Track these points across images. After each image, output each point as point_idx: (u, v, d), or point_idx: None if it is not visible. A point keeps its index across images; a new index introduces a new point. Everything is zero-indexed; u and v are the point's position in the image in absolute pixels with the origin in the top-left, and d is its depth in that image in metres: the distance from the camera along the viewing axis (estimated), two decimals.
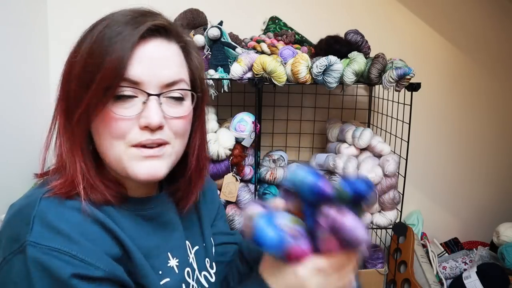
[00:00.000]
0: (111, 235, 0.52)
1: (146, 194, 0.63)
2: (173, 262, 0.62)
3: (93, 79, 0.51)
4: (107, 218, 0.53)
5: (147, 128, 0.54)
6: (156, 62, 0.55)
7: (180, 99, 0.58)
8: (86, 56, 0.52)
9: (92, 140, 0.57)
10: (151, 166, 0.55)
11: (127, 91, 0.53)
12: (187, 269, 0.64)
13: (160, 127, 0.54)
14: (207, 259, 0.71)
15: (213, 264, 0.72)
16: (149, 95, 0.53)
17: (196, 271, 0.68)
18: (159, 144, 0.55)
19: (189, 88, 0.60)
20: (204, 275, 0.69)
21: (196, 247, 0.70)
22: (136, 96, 0.53)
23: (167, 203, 0.65)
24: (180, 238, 0.66)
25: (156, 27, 0.55)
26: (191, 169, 0.65)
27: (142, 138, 0.54)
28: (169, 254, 0.62)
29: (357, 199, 0.49)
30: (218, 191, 1.24)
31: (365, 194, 0.50)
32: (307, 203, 0.51)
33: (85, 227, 0.50)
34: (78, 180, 0.53)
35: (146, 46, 0.54)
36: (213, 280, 0.70)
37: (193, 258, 0.68)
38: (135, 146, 0.54)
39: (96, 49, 0.52)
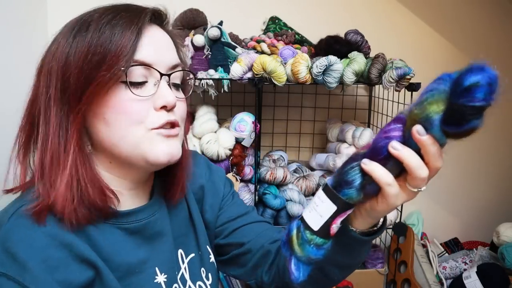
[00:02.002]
0: (79, 259, 0.51)
1: (137, 205, 0.61)
2: (160, 278, 0.60)
3: (102, 61, 0.51)
4: (78, 239, 0.51)
5: (163, 108, 0.55)
6: (162, 45, 0.57)
7: (178, 86, 0.60)
8: (90, 41, 0.52)
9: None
10: (172, 145, 0.56)
11: (139, 77, 0.54)
12: (175, 285, 0.62)
13: (173, 107, 0.56)
14: (202, 268, 0.68)
15: (209, 275, 0.69)
16: (162, 75, 0.55)
17: (189, 282, 0.65)
18: (174, 125, 0.57)
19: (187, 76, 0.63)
20: (199, 285, 0.67)
21: (192, 255, 0.68)
22: (146, 81, 0.55)
23: (158, 210, 0.63)
24: (169, 251, 0.63)
25: (157, 14, 0.58)
26: (185, 157, 0.65)
27: (162, 120, 0.54)
28: (156, 269, 0.60)
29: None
30: None
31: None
32: None
33: (47, 252, 0.48)
34: (61, 196, 0.50)
35: (151, 30, 0.56)
36: None
37: (185, 268, 0.66)
38: (155, 129, 0.54)
39: (103, 34, 0.52)
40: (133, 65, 0.52)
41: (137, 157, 0.55)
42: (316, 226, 0.48)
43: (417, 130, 0.42)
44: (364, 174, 0.46)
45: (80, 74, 0.51)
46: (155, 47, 0.55)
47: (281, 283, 0.68)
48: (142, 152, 0.54)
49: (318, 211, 0.48)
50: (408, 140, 0.44)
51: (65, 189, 0.51)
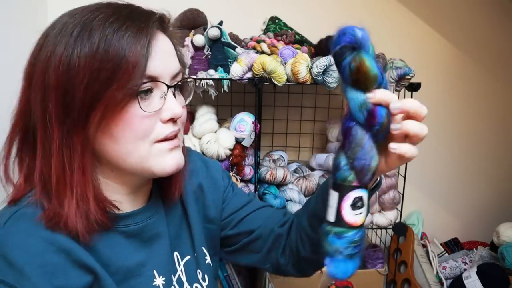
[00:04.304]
0: (78, 264, 0.50)
1: (135, 208, 0.61)
2: (159, 281, 0.60)
3: (112, 78, 0.48)
4: (76, 244, 0.51)
5: (170, 120, 0.54)
6: (167, 54, 0.55)
7: (180, 90, 0.59)
8: (96, 53, 0.48)
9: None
10: (177, 157, 0.56)
11: (146, 86, 0.52)
12: (172, 287, 0.62)
13: (179, 118, 0.55)
14: (198, 270, 0.68)
15: (205, 276, 0.69)
16: (169, 87, 0.54)
17: (185, 284, 0.65)
18: (176, 134, 0.56)
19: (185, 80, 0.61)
20: (195, 287, 0.67)
21: (188, 257, 0.68)
22: (152, 92, 0.53)
23: (155, 213, 0.63)
24: (167, 253, 0.63)
25: (162, 20, 0.55)
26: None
27: (167, 132, 0.54)
28: (155, 272, 0.60)
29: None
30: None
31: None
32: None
33: (45, 258, 0.48)
34: (70, 211, 0.50)
35: (158, 39, 0.53)
36: None
37: (181, 270, 0.66)
38: (159, 141, 0.54)
39: (110, 46, 0.48)
40: (144, 82, 0.51)
41: (143, 170, 0.55)
42: (331, 218, 0.50)
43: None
44: (347, 156, 0.49)
45: (86, 92, 0.48)
46: (161, 58, 0.53)
47: (297, 261, 0.71)
48: (149, 166, 0.54)
49: (330, 204, 0.50)
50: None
51: (75, 211, 0.50)
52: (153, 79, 0.52)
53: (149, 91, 0.52)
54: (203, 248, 0.71)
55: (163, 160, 0.55)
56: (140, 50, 0.49)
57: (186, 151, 0.71)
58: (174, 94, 0.55)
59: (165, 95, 0.53)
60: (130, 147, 0.52)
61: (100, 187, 0.55)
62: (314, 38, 1.40)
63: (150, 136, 0.53)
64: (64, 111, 0.50)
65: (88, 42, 0.49)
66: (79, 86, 0.48)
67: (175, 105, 0.54)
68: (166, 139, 0.54)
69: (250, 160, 1.27)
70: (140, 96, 0.51)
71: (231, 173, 1.23)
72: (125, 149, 0.52)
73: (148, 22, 0.52)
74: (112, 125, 0.50)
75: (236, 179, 1.23)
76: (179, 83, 0.57)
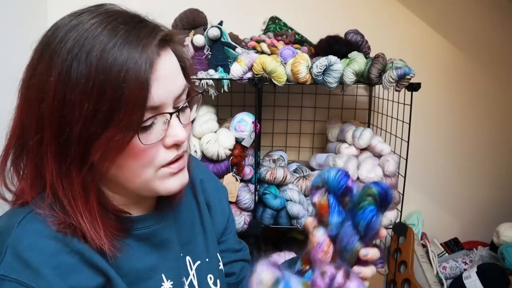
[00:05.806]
0: (90, 265, 0.50)
1: (144, 212, 0.61)
2: (167, 285, 0.60)
3: (109, 120, 0.46)
4: (87, 246, 0.51)
5: (174, 145, 0.53)
6: (169, 78, 0.51)
7: (186, 106, 0.56)
8: (92, 89, 0.45)
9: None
10: (181, 178, 0.57)
11: (148, 121, 0.49)
12: None
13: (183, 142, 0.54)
14: (210, 275, 0.69)
15: (217, 281, 0.70)
16: (171, 114, 0.52)
17: None
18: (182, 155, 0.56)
19: (192, 93, 0.59)
20: None
21: (198, 262, 0.68)
22: (154, 122, 0.51)
23: (164, 218, 0.63)
24: (175, 258, 0.63)
25: (164, 36, 0.51)
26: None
27: (171, 157, 0.53)
28: (163, 276, 0.60)
29: (383, 198, 0.51)
30: None
31: (388, 193, 0.52)
32: (334, 195, 0.53)
33: (59, 258, 0.48)
34: (83, 228, 0.50)
35: (159, 63, 0.49)
36: None
37: (193, 274, 0.66)
38: (164, 166, 0.54)
39: (104, 85, 0.45)
40: (145, 120, 0.48)
41: (147, 191, 0.55)
42: None
43: None
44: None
45: (82, 133, 0.46)
46: (164, 84, 0.49)
47: None
48: (153, 188, 0.54)
49: None
50: None
51: (90, 227, 0.50)
52: (155, 109, 0.50)
53: (152, 124, 0.51)
54: (218, 254, 0.73)
55: (167, 182, 0.55)
56: (140, 85, 0.46)
57: (202, 165, 0.74)
58: (178, 116, 0.54)
59: (168, 121, 0.52)
60: (135, 172, 0.52)
61: (107, 200, 0.55)
62: (314, 38, 1.40)
63: (155, 162, 0.52)
64: (60, 146, 0.48)
65: (84, 77, 0.45)
66: (75, 125, 0.46)
67: (179, 131, 0.52)
68: (171, 164, 0.54)
69: (250, 160, 1.27)
70: (141, 130, 0.49)
71: (231, 173, 1.23)
72: (129, 174, 0.52)
73: (148, 48, 0.47)
74: (116, 155, 0.49)
75: (236, 179, 1.23)
76: (184, 104, 0.55)
